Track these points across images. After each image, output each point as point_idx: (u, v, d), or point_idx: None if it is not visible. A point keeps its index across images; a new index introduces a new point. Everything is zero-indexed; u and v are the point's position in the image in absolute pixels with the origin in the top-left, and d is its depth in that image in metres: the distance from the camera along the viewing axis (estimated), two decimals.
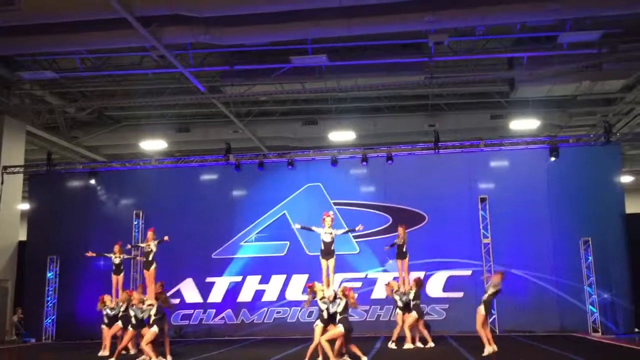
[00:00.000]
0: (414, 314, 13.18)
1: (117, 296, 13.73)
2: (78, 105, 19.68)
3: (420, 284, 13.42)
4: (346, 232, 12.08)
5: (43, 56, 15.79)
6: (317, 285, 10.84)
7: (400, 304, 13.38)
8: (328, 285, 11.31)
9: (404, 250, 13.85)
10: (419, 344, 13.24)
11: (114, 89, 18.78)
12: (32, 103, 19.13)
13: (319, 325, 10.54)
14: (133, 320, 11.78)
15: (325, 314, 10.54)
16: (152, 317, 11.32)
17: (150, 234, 12.85)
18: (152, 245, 12.65)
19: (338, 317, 10.47)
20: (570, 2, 11.68)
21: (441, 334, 15.99)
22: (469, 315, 16.49)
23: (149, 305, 11.66)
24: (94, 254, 14.66)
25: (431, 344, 13.15)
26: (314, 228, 12.03)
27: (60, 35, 13.18)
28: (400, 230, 13.97)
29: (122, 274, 14.16)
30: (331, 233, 11.78)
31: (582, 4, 11.74)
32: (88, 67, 16.43)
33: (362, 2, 11.99)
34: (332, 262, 11.60)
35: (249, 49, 15.26)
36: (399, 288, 13.54)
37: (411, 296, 13.27)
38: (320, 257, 11.79)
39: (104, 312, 13.35)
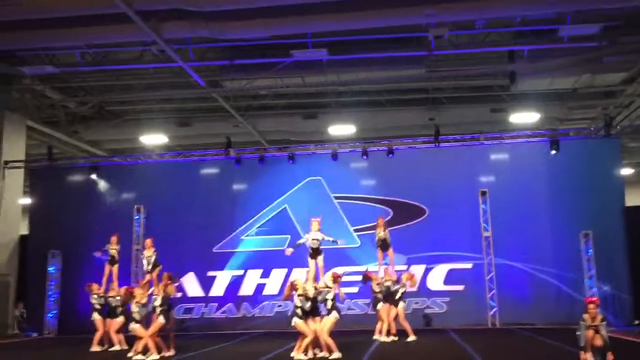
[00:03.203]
0: (402, 305, 13.21)
1: (106, 286, 13.92)
2: (78, 99, 19.68)
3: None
4: (330, 241, 12.24)
5: (43, 51, 15.77)
6: (299, 282, 10.90)
7: (380, 295, 13.29)
8: (314, 281, 11.36)
9: (388, 243, 13.86)
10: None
11: (114, 84, 18.77)
12: (32, 98, 19.14)
13: (299, 322, 10.57)
14: (137, 317, 11.73)
15: (300, 312, 10.57)
16: (158, 309, 11.32)
17: (148, 241, 13.55)
18: (149, 253, 13.28)
19: (330, 303, 10.57)
20: None
21: (443, 327, 16.07)
22: (471, 308, 16.70)
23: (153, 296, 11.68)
24: (100, 254, 14.68)
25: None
26: (301, 241, 12.43)
27: (61, 30, 13.19)
28: (380, 221, 13.97)
29: (116, 265, 14.27)
30: (317, 239, 12.09)
31: None
32: (88, 62, 16.41)
33: None
34: (320, 259, 11.90)
35: (249, 43, 15.23)
36: (382, 279, 13.47)
37: (395, 289, 13.23)
38: (309, 258, 12.14)
39: (91, 300, 13.52)
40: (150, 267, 13.06)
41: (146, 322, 11.79)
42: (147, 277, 12.91)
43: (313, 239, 12.05)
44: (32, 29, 13.08)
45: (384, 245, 13.89)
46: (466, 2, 12.09)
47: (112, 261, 14.31)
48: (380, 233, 13.88)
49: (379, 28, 14.01)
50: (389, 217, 17.11)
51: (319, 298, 10.71)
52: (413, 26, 14.07)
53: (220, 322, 17.77)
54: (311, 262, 12.03)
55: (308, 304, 10.59)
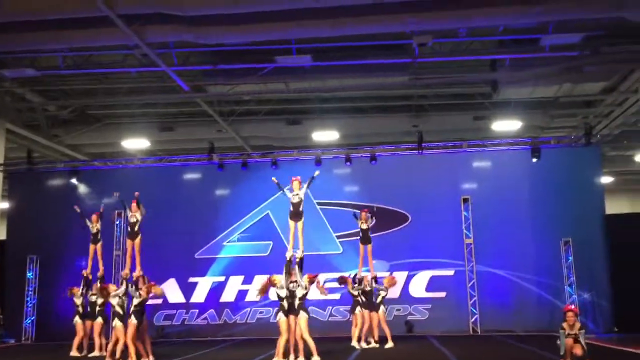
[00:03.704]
0: (382, 310, 13.29)
1: (94, 265, 13.86)
2: (59, 103, 19.45)
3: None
4: (309, 184, 12.03)
5: (24, 54, 15.54)
6: (277, 277, 10.94)
7: (359, 299, 13.39)
8: (292, 246, 11.43)
9: (369, 235, 13.91)
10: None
11: (96, 87, 18.58)
12: (12, 101, 18.87)
13: (282, 319, 10.63)
14: (119, 310, 11.52)
15: (285, 304, 10.65)
16: (132, 307, 11.18)
17: (134, 205, 12.92)
18: (138, 215, 12.78)
19: (297, 302, 10.60)
20: (553, 6, 11.77)
21: (424, 334, 16.10)
22: (452, 315, 16.75)
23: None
24: (79, 210, 14.68)
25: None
26: (285, 190, 12.09)
27: (42, 32, 13.00)
28: (363, 214, 14.04)
29: (99, 243, 14.19)
30: (298, 194, 11.87)
31: (565, 7, 11.82)
32: (70, 65, 16.21)
33: (346, 3, 11.98)
34: (300, 224, 11.73)
35: (233, 48, 15.17)
36: (359, 282, 13.57)
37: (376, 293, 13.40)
38: (289, 219, 11.92)
39: (75, 301, 13.58)
40: (131, 229, 12.80)
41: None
42: (129, 243, 12.76)
43: (294, 194, 11.86)
44: (12, 31, 12.88)
45: (364, 237, 13.94)
46: (450, 11, 12.14)
47: (95, 240, 14.16)
48: (363, 225, 13.94)
49: (363, 35, 14.04)
50: (372, 224, 17.11)
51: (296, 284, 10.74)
52: (397, 34, 14.10)
53: (202, 329, 17.64)
54: (291, 223, 11.77)
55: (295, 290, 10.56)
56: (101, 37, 13.28)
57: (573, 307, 10.07)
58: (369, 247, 14.00)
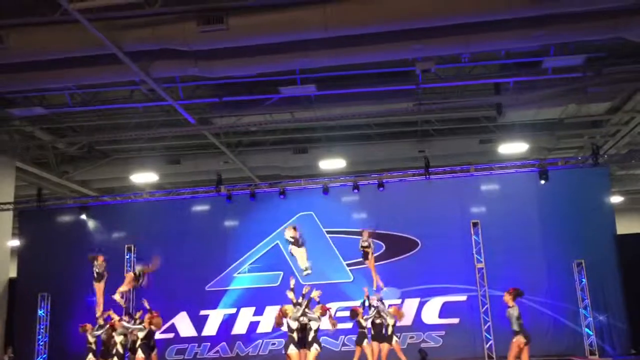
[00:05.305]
0: (395, 340, 12.89)
1: (104, 303, 13.93)
2: (68, 140, 19.62)
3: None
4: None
5: (32, 92, 15.77)
6: (289, 308, 10.84)
7: (365, 331, 12.85)
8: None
9: (368, 252, 13.94)
10: None
11: (103, 123, 18.76)
12: (21, 139, 19.07)
13: (294, 352, 10.46)
14: (120, 349, 11.48)
15: (295, 336, 10.51)
16: (139, 342, 11.10)
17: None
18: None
19: (312, 335, 10.46)
20: (554, 29, 11.85)
21: None
22: (466, 341, 16.55)
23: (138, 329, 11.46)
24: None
25: None
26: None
27: (50, 71, 13.18)
28: (365, 234, 13.97)
29: (102, 281, 14.37)
30: (294, 236, 12.28)
31: (566, 30, 11.91)
32: (77, 102, 16.43)
33: (349, 32, 12.11)
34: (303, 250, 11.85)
35: (238, 80, 15.33)
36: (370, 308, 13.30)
37: (389, 321, 12.86)
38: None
39: (88, 338, 13.44)
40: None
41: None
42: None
43: (291, 237, 12.08)
44: (21, 71, 13.07)
45: (364, 254, 13.87)
46: (452, 37, 12.24)
47: (99, 278, 14.34)
48: (364, 243, 13.88)
49: (366, 63, 14.16)
50: (382, 251, 17.08)
51: (308, 318, 10.63)
52: (400, 61, 14.23)
53: None
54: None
55: (299, 314, 10.47)
56: (108, 74, 13.45)
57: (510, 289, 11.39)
58: (370, 262, 13.95)
